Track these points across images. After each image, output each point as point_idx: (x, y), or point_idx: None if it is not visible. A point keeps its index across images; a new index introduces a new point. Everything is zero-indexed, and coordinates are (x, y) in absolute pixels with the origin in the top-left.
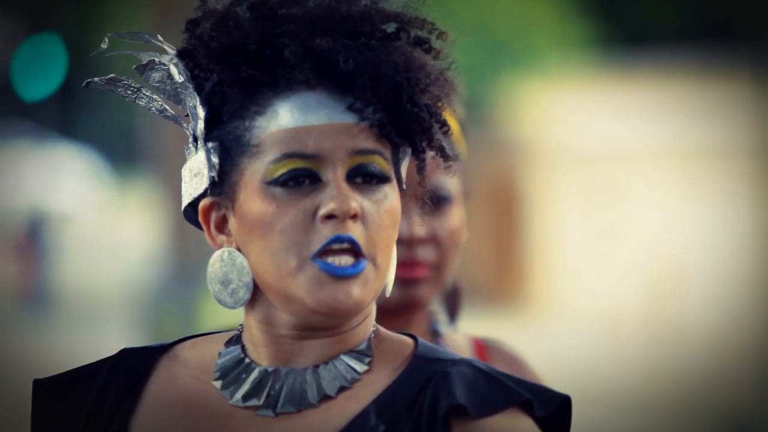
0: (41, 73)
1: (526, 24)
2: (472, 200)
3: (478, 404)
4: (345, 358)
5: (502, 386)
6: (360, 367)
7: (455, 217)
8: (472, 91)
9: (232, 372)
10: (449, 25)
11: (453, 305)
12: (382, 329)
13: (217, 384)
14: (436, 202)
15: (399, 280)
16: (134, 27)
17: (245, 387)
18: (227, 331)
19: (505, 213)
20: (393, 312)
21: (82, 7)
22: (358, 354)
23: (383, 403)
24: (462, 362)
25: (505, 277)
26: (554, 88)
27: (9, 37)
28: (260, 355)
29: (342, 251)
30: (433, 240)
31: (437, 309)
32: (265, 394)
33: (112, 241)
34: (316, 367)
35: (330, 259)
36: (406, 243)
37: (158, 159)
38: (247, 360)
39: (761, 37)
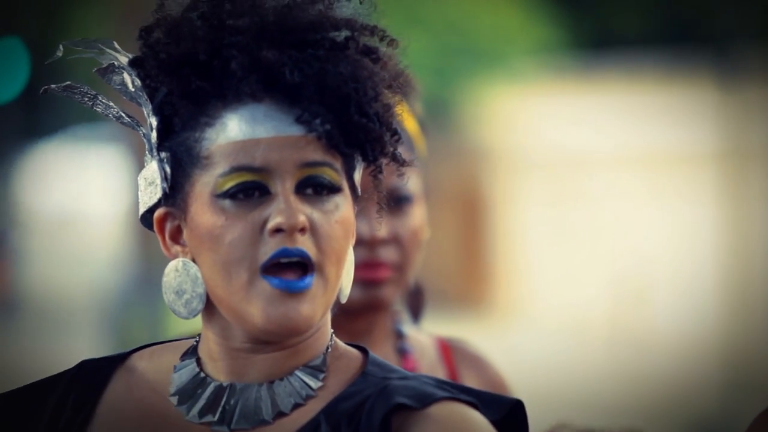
0: (3, 77)
1: (492, 28)
2: (437, 203)
3: (419, 399)
4: (300, 373)
5: (446, 389)
6: (314, 383)
7: (416, 216)
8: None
9: (188, 387)
10: (416, 29)
11: (416, 305)
12: (340, 344)
13: (173, 400)
14: (397, 202)
15: (362, 282)
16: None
17: (201, 402)
18: (185, 338)
19: (470, 216)
20: (356, 313)
21: (45, 11)
22: (313, 369)
23: (328, 414)
24: (412, 377)
25: (469, 281)
26: (520, 92)
27: None
28: (216, 368)
29: (290, 265)
30: (395, 240)
31: (401, 309)
32: (220, 410)
33: (76, 246)
34: (271, 382)
35: (279, 275)
36: (367, 244)
37: (123, 161)
38: (202, 374)
39: (723, 41)
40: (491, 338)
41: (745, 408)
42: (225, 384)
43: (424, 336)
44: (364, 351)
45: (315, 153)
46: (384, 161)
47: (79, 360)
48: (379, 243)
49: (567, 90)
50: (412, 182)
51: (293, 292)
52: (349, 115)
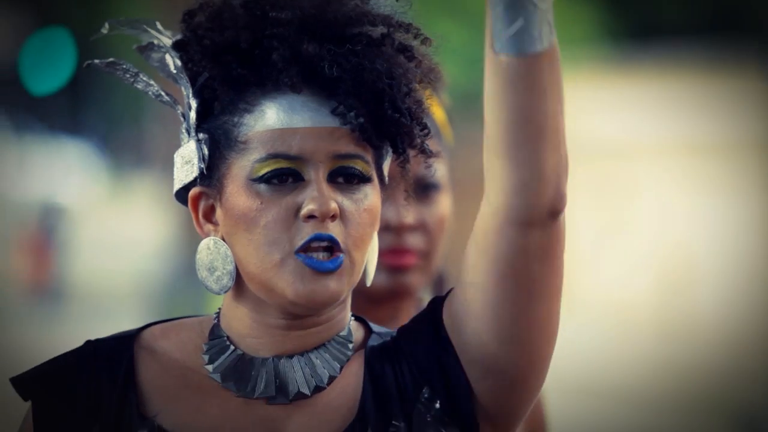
0: (49, 67)
1: None
2: (467, 194)
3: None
4: (334, 343)
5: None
6: (346, 350)
7: (443, 204)
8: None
9: (229, 365)
10: (453, 18)
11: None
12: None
13: (216, 377)
14: (424, 189)
15: (388, 268)
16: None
17: (250, 379)
18: (185, 317)
19: None
20: (382, 300)
21: (91, 1)
22: (343, 339)
23: (375, 374)
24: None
25: None
26: (567, 84)
27: (17, 30)
28: (254, 345)
29: (322, 248)
30: (422, 227)
31: (425, 298)
32: (275, 382)
33: (121, 235)
34: (311, 353)
35: (311, 255)
36: (395, 230)
37: (166, 152)
38: (239, 352)
39: None
40: None
41: None
42: (269, 359)
43: None
44: (361, 319)
45: (348, 145)
46: (412, 153)
47: None
48: (407, 229)
49: (611, 80)
50: (439, 171)
51: (323, 272)
52: (383, 110)
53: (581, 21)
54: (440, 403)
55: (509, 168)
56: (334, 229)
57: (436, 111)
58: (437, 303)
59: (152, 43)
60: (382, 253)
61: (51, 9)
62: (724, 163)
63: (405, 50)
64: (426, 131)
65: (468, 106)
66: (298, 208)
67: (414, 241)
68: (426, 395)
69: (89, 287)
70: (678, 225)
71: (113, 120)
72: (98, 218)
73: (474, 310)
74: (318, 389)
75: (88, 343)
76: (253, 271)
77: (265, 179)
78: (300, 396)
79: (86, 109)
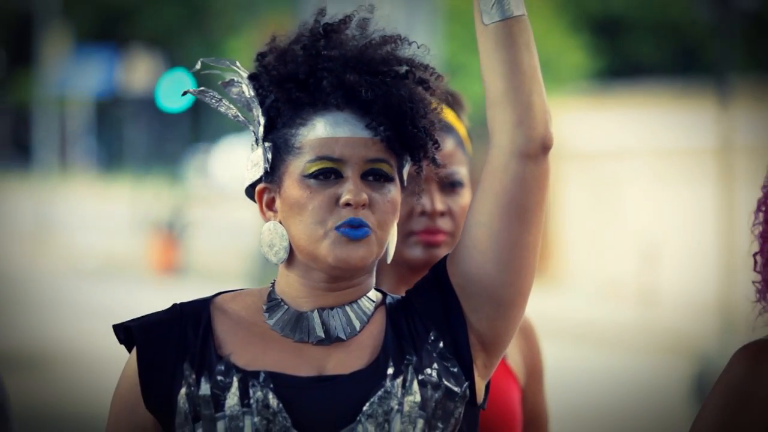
0: (176, 95)
1: (549, 52)
2: None
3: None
4: (363, 300)
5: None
6: (372, 304)
7: (466, 197)
8: None
9: (285, 319)
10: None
11: None
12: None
13: (277, 328)
14: (452, 185)
15: (423, 244)
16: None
17: (301, 328)
18: (249, 290)
19: None
20: (419, 268)
21: (207, 46)
22: (369, 298)
23: (394, 322)
24: (410, 291)
25: None
26: (568, 106)
27: (155, 70)
28: (302, 302)
29: (354, 225)
30: (449, 213)
31: None
32: (320, 330)
33: (228, 221)
34: (346, 307)
35: (346, 229)
36: (429, 215)
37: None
38: (290, 308)
39: (721, 66)
40: (539, 299)
41: (737, 346)
42: (313, 311)
43: None
44: (380, 290)
45: (378, 152)
46: (425, 162)
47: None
48: (438, 215)
49: (601, 105)
50: (463, 172)
51: (355, 239)
52: (405, 126)
53: (576, 64)
54: (443, 343)
55: (508, 110)
56: (365, 215)
57: (460, 129)
58: (439, 264)
59: (233, 79)
60: (420, 233)
61: (178, 54)
62: (687, 165)
63: (423, 83)
64: (437, 145)
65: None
66: (338, 198)
67: (444, 223)
68: (432, 337)
69: (205, 266)
70: (652, 213)
71: (220, 131)
72: (209, 209)
73: (479, 244)
74: (351, 334)
75: (175, 305)
76: (303, 244)
77: (314, 175)
78: (338, 339)
79: (202, 123)
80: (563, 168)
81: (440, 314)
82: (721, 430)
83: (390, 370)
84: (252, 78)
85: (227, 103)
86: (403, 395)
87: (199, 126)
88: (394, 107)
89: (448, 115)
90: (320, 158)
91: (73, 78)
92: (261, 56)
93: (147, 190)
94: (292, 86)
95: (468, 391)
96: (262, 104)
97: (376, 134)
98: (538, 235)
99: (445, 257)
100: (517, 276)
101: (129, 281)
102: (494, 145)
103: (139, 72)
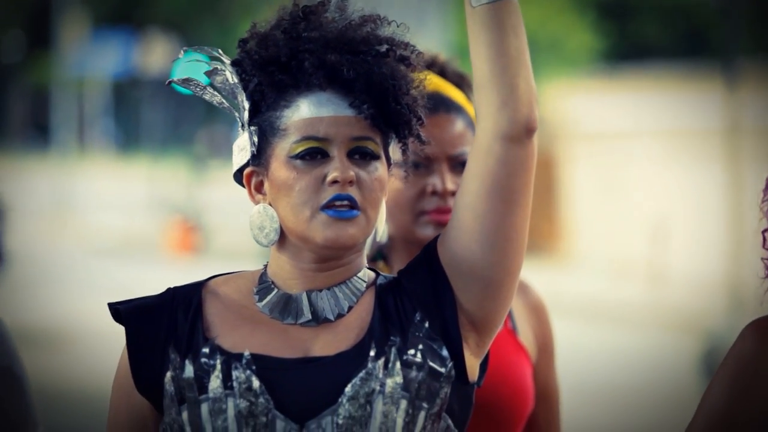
0: (193, 75)
1: (558, 34)
2: None
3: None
4: (352, 281)
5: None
6: (361, 286)
7: None
8: None
9: (274, 301)
10: None
11: None
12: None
13: (266, 310)
14: (462, 165)
15: (435, 222)
16: None
17: (290, 310)
18: (240, 271)
19: (536, 176)
20: None
21: (222, 29)
22: (359, 279)
23: (382, 303)
24: (402, 271)
25: (534, 229)
26: (577, 87)
27: (171, 51)
28: (291, 284)
29: (343, 205)
30: None
31: None
32: (308, 311)
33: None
34: (335, 289)
35: (334, 209)
36: (440, 195)
37: None
38: (280, 291)
39: (728, 48)
40: (554, 274)
41: (745, 323)
42: (302, 294)
43: None
44: (372, 269)
45: (362, 130)
46: (411, 140)
47: None
48: (448, 194)
49: (610, 86)
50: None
51: (344, 219)
52: (388, 104)
53: (584, 46)
54: (429, 323)
55: (493, 92)
56: (353, 191)
57: (470, 109)
58: (429, 244)
59: (216, 68)
60: (431, 212)
61: (194, 37)
62: (695, 146)
63: (404, 60)
64: (421, 121)
65: None
66: (324, 177)
67: (453, 203)
68: (418, 317)
69: (223, 246)
70: (660, 193)
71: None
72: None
73: (465, 226)
74: (339, 315)
75: (169, 289)
76: (291, 225)
77: (300, 156)
78: (326, 321)
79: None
80: (573, 149)
81: (430, 293)
82: (729, 406)
83: (372, 352)
84: (235, 64)
85: (212, 91)
86: (385, 376)
87: (215, 107)
88: (377, 85)
89: (458, 96)
90: (305, 138)
91: (91, 60)
92: (243, 42)
93: (164, 171)
94: (275, 69)
95: (453, 372)
96: (245, 89)
97: (360, 112)
98: (524, 216)
99: (436, 237)
100: (505, 257)
101: (146, 261)
102: (479, 128)
103: (156, 54)
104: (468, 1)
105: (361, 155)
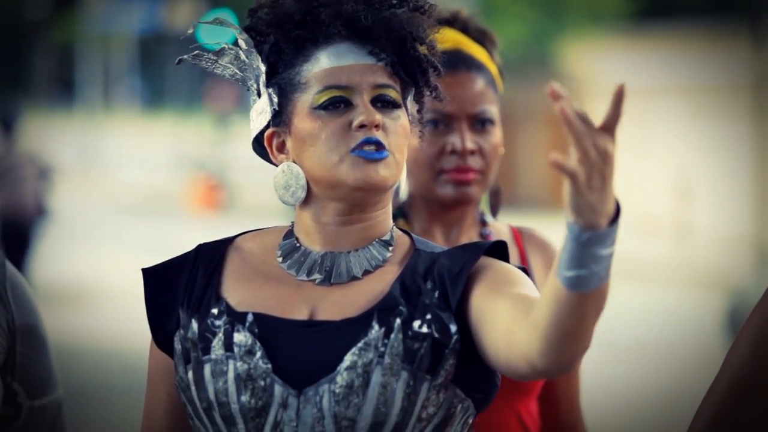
0: (216, 36)
1: None
2: (531, 124)
3: (475, 252)
4: (376, 243)
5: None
6: (386, 248)
7: (496, 135)
8: (539, 40)
9: (294, 256)
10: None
11: (495, 203)
12: (396, 228)
13: (284, 266)
14: (482, 123)
15: (454, 182)
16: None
17: (306, 267)
18: (273, 227)
19: (557, 134)
20: (451, 206)
21: None
22: (385, 242)
23: (407, 276)
24: (445, 249)
25: (556, 186)
26: (604, 44)
27: (197, 11)
28: (313, 241)
29: (371, 147)
30: (480, 151)
31: (484, 204)
32: (324, 270)
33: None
34: (356, 250)
35: (363, 150)
36: (460, 154)
37: None
38: (303, 247)
39: (755, 5)
40: None
41: None
42: (321, 252)
43: (501, 224)
44: (407, 233)
45: (383, 77)
46: (427, 90)
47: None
48: (468, 153)
49: (637, 44)
50: (494, 110)
51: (374, 160)
52: (406, 50)
53: (615, 6)
54: (439, 294)
55: (540, 349)
56: (380, 135)
57: (491, 67)
58: (477, 250)
59: (224, 47)
60: (450, 171)
61: None
62: (721, 102)
63: (419, 8)
64: (437, 72)
65: (536, 55)
66: (350, 123)
67: (474, 161)
68: (429, 286)
69: (249, 202)
70: (686, 149)
71: None
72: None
73: (483, 348)
74: (353, 279)
75: (199, 245)
76: (319, 174)
77: (323, 106)
78: (338, 281)
79: None
80: (599, 105)
81: (456, 271)
82: (754, 361)
83: (375, 321)
84: (248, 29)
85: (223, 64)
86: (385, 347)
87: None
88: (395, 32)
89: (480, 53)
90: (328, 87)
91: (117, 16)
92: (253, 11)
93: (189, 128)
94: (291, 26)
95: (458, 345)
96: (260, 52)
97: (379, 60)
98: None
99: (484, 248)
100: (507, 372)
101: (170, 218)
102: (512, 342)
103: (182, 11)
104: (555, 263)
105: (383, 103)
